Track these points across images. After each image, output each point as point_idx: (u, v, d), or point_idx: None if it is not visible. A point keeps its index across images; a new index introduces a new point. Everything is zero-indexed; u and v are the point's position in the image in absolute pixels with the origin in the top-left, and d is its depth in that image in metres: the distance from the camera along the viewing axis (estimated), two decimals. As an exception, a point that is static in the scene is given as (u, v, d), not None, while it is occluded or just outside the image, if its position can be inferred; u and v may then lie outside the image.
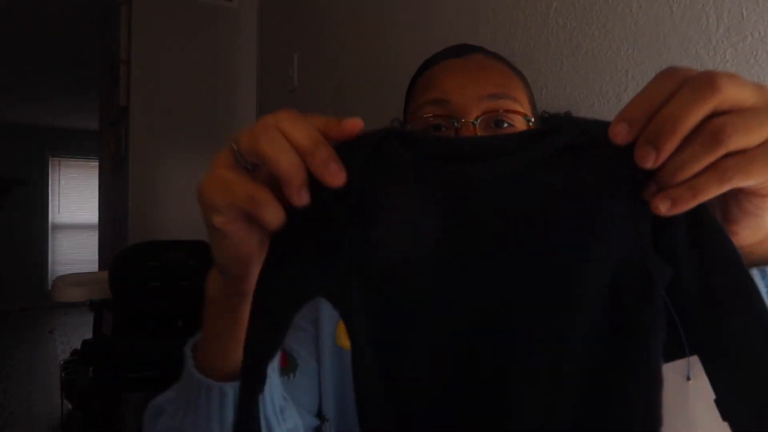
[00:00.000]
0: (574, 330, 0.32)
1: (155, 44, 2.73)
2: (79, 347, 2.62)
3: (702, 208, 0.31)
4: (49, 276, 6.28)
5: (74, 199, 6.67)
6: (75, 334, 4.93)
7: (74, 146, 6.52)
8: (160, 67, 2.79)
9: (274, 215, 0.34)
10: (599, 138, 0.32)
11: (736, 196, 0.33)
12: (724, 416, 0.30)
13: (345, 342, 0.60)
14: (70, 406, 2.84)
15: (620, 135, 0.31)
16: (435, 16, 1.23)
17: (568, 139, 0.33)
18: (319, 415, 0.63)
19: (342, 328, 0.63)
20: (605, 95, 0.84)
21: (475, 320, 0.34)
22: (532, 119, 0.58)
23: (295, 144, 0.34)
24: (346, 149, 0.34)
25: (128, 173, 2.75)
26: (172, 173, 2.83)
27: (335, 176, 0.33)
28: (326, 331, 0.64)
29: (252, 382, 0.36)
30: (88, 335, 2.52)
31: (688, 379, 0.31)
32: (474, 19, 1.11)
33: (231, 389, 0.45)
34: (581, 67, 0.87)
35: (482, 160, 0.34)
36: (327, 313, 0.65)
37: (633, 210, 0.31)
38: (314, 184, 0.34)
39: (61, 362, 3.17)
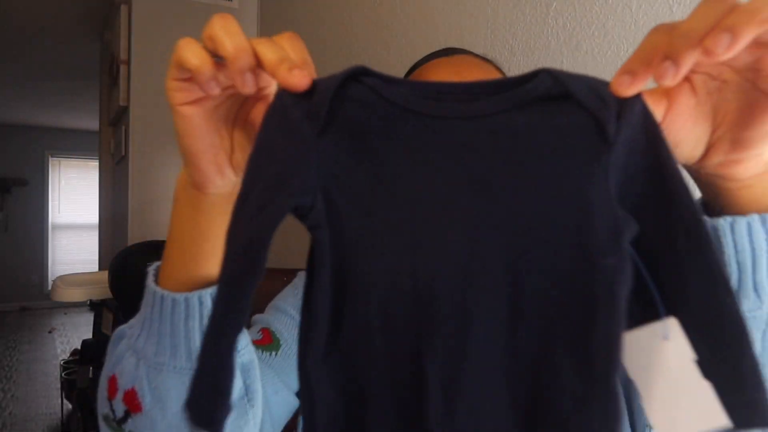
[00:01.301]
0: (538, 269, 0.33)
1: (155, 44, 2.72)
2: (79, 347, 2.62)
3: (667, 158, 0.32)
4: (49, 276, 6.28)
5: (74, 199, 6.67)
6: (75, 334, 4.94)
7: (74, 146, 6.52)
8: (160, 67, 2.79)
9: (201, 70, 0.35)
10: (575, 89, 0.33)
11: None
12: (705, 375, 0.30)
13: None
14: (70, 406, 2.84)
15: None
16: (435, 17, 1.23)
17: (543, 88, 0.34)
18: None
19: None
20: (605, 95, 0.84)
21: (440, 257, 0.33)
22: None
23: (260, 56, 0.34)
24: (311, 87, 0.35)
25: (128, 173, 2.75)
26: (172, 173, 2.82)
27: (299, 78, 0.34)
28: None
29: (227, 311, 0.33)
30: (88, 335, 2.53)
31: (666, 339, 0.31)
32: (474, 18, 1.10)
33: (196, 300, 0.42)
34: (581, 67, 0.87)
35: (456, 102, 0.35)
36: None
37: (603, 157, 0.32)
38: (285, 101, 0.35)
39: (61, 362, 3.17)
